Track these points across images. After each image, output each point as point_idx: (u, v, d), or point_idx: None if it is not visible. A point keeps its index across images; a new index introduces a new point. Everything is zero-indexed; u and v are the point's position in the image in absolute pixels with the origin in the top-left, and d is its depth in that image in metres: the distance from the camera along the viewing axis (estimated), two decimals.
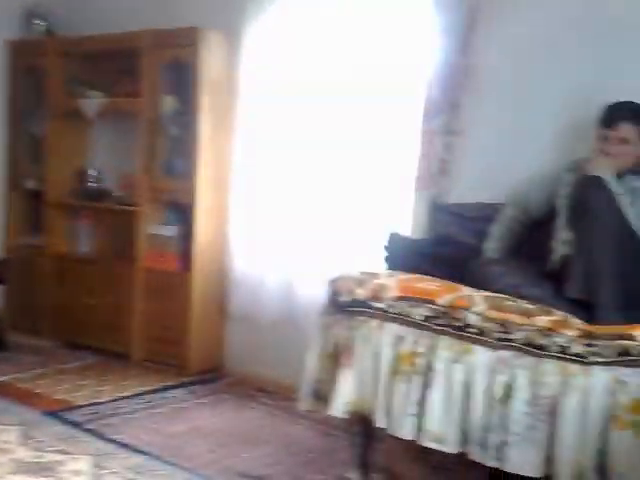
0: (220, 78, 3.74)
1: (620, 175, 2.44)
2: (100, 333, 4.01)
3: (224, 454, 2.73)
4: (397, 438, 2.17)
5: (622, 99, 2.50)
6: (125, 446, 2.73)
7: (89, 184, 4.24)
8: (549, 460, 1.91)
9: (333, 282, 2.41)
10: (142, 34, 3.83)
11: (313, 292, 3.32)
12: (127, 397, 3.34)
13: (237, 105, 3.71)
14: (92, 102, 4.09)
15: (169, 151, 3.91)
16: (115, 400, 3.28)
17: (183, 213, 3.84)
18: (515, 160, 2.94)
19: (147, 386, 3.51)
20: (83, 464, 2.54)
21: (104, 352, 3.94)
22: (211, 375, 3.74)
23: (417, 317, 2.16)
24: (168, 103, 3.85)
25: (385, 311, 2.21)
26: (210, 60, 3.69)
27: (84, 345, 4.03)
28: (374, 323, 2.22)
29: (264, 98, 3.60)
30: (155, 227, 3.89)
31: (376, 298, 2.24)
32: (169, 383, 3.57)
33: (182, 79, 3.82)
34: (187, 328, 3.71)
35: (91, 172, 4.26)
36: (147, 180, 3.88)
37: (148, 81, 3.86)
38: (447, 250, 2.69)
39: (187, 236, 3.78)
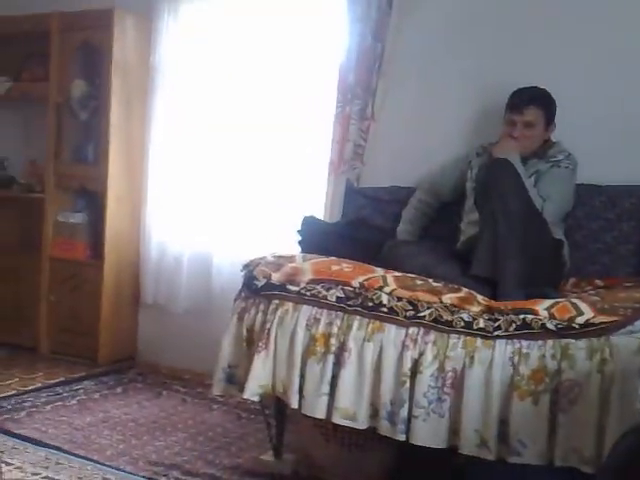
0: (133, 62, 3.65)
1: (526, 158, 2.53)
2: (5, 325, 3.85)
3: (136, 444, 2.66)
4: (310, 418, 2.18)
5: (530, 84, 2.58)
6: (31, 440, 2.62)
7: None
8: (454, 432, 1.96)
9: (248, 266, 2.39)
10: (51, 16, 3.70)
11: (228, 278, 3.30)
12: (34, 390, 3.21)
13: (151, 89, 3.62)
14: None
15: (79, 136, 3.80)
16: (21, 394, 3.15)
17: (93, 200, 3.73)
18: (428, 144, 3.01)
19: (56, 379, 3.40)
20: None
21: (10, 345, 3.79)
22: (123, 365, 3.66)
23: (331, 299, 2.16)
24: (78, 87, 3.73)
25: (300, 294, 2.21)
26: (123, 43, 3.60)
27: None
28: (289, 306, 2.21)
29: (179, 82, 3.54)
30: (63, 215, 3.76)
31: (291, 281, 2.23)
32: (79, 375, 3.47)
33: (93, 62, 3.72)
34: (98, 318, 3.61)
35: None
36: (55, 166, 3.75)
37: (57, 65, 3.73)
38: (361, 233, 2.71)
39: (98, 224, 3.67)
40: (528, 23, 2.84)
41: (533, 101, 2.53)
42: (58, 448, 2.56)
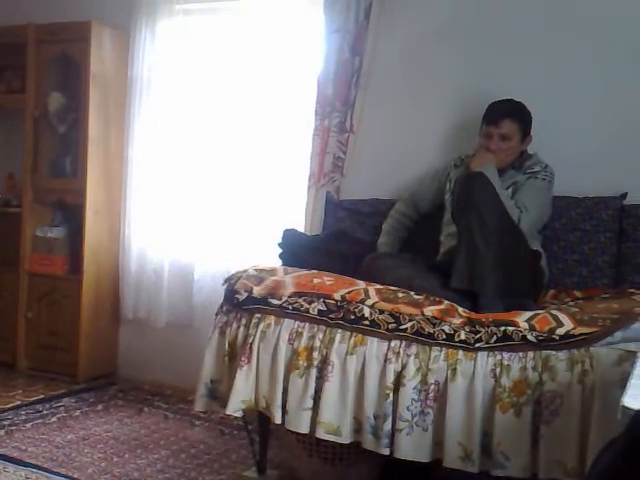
0: (111, 74, 3.64)
1: (503, 170, 2.55)
2: None
3: (117, 462, 2.63)
4: (293, 433, 2.17)
5: (508, 97, 2.61)
6: (11, 459, 2.58)
7: None
8: (438, 444, 1.96)
9: (229, 280, 2.38)
10: (27, 28, 3.68)
11: (209, 292, 3.28)
12: (13, 408, 3.17)
13: (129, 102, 3.61)
14: None
15: (56, 150, 3.77)
16: (0, 412, 3.10)
17: (72, 214, 3.70)
18: (407, 157, 3.03)
19: (34, 396, 3.35)
20: None
21: None
22: (104, 381, 3.62)
23: (313, 312, 2.16)
24: (55, 100, 3.71)
25: (282, 307, 2.20)
26: (100, 56, 3.59)
27: None
28: (271, 320, 2.21)
29: (157, 94, 3.53)
30: (41, 229, 3.72)
31: (273, 295, 2.23)
32: (58, 392, 3.43)
33: (70, 75, 3.70)
34: (77, 334, 3.58)
35: None
36: (32, 180, 3.72)
37: (33, 77, 3.71)
38: (342, 245, 2.71)
39: (76, 238, 3.64)
40: (506, 36, 2.87)
41: (509, 114, 2.55)
42: (38, 467, 2.53)
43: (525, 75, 2.82)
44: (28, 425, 2.97)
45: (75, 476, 2.47)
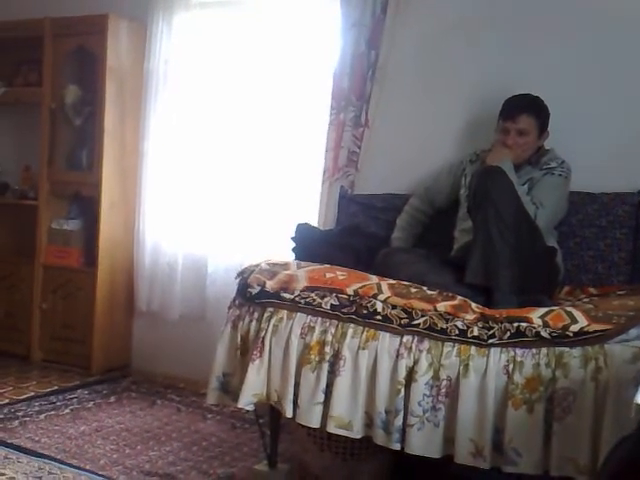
0: (127, 67, 3.65)
1: (519, 165, 2.53)
2: None
3: (129, 453, 2.65)
4: (305, 427, 2.17)
5: (524, 92, 2.59)
6: (24, 450, 2.60)
7: None
8: (449, 440, 1.95)
9: (242, 274, 2.38)
10: (44, 21, 3.71)
11: (223, 285, 3.29)
12: (27, 399, 3.19)
13: (145, 95, 3.62)
14: None
15: (73, 142, 3.79)
16: (14, 403, 3.13)
17: (87, 207, 3.72)
18: (422, 152, 3.01)
19: (49, 387, 3.38)
20: None
21: (2, 353, 3.76)
22: (117, 374, 3.64)
23: (326, 306, 2.15)
24: (72, 93, 3.73)
25: (294, 302, 2.20)
26: (117, 49, 3.60)
27: None
28: (283, 314, 2.20)
29: (174, 88, 3.54)
30: (57, 221, 3.75)
31: (285, 289, 2.22)
32: (72, 383, 3.45)
33: (87, 68, 3.71)
34: (91, 326, 3.60)
35: None
36: (49, 173, 3.74)
37: (50, 70, 3.73)
38: (355, 240, 2.71)
39: (92, 231, 3.66)
40: (524, 31, 2.84)
41: (526, 109, 2.53)
42: (51, 458, 2.55)
43: (542, 70, 2.78)
44: (41, 416, 2.99)
45: (87, 467, 2.49)
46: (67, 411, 3.08)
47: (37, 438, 2.74)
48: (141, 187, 3.64)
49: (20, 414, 3.00)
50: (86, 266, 3.67)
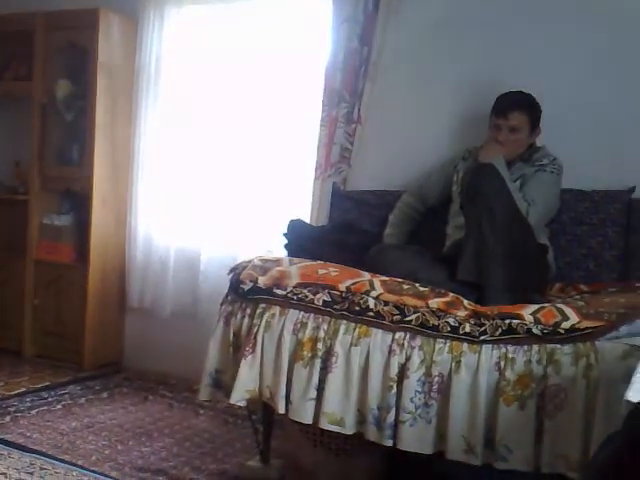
0: (118, 62, 3.63)
1: (511, 162, 2.54)
2: None
3: (121, 449, 2.65)
4: (297, 423, 2.17)
5: (517, 89, 2.59)
6: (16, 445, 2.60)
7: None
8: (441, 437, 1.96)
9: (234, 270, 2.38)
10: (35, 15, 3.68)
11: (215, 281, 3.28)
12: (19, 395, 3.19)
13: (136, 90, 3.60)
14: None
15: (63, 137, 3.77)
16: (6, 398, 3.12)
17: (79, 202, 3.71)
18: (415, 148, 3.01)
19: (41, 383, 3.38)
20: None
21: None
22: (109, 369, 3.64)
23: (318, 303, 2.16)
24: (62, 87, 3.71)
25: (287, 298, 2.20)
26: (108, 44, 3.58)
27: None
28: (276, 310, 2.20)
29: (165, 83, 3.53)
30: (48, 217, 3.74)
31: (278, 285, 2.22)
32: (64, 379, 3.45)
33: (78, 63, 3.70)
34: (83, 322, 3.59)
35: None
36: (40, 168, 3.72)
37: (41, 64, 3.71)
38: (347, 236, 2.71)
39: (83, 226, 3.64)
40: (516, 27, 2.84)
41: (518, 106, 2.53)
42: (43, 453, 2.54)
43: (535, 67, 2.79)
44: (33, 412, 2.99)
45: (79, 463, 2.49)
46: (59, 407, 3.08)
47: (29, 434, 2.73)
48: (133, 182, 3.63)
49: (12, 409, 2.99)
50: (78, 262, 3.66)
